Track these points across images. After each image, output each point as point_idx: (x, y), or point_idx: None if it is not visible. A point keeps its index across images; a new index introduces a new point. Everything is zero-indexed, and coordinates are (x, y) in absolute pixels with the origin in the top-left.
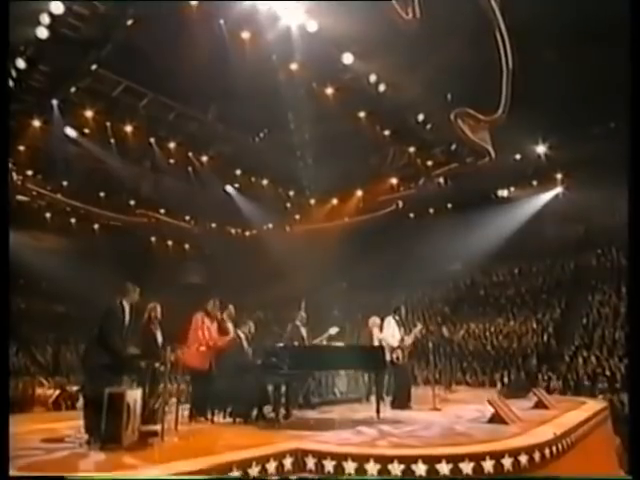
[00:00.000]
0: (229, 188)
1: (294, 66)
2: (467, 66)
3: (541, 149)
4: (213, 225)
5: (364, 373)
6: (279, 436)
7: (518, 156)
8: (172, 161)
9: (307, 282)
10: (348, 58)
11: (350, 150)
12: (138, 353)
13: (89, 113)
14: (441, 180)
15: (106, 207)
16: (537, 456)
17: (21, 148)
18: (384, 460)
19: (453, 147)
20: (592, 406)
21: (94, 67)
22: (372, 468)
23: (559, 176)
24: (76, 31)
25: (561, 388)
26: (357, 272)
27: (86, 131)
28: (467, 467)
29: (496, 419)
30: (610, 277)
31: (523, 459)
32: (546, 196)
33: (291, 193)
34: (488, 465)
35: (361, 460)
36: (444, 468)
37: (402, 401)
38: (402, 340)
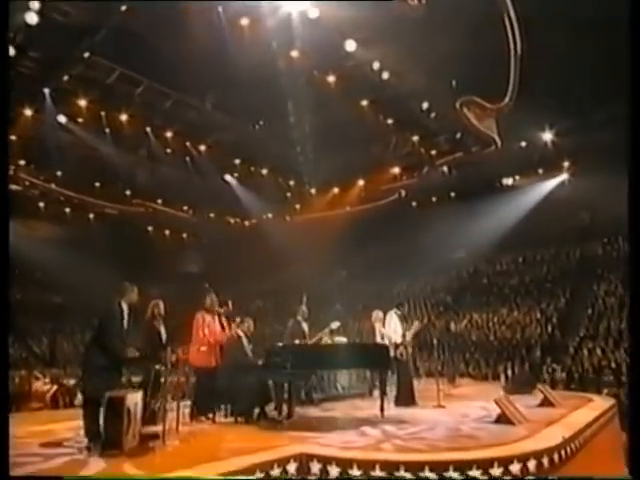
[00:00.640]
0: (228, 177)
1: (295, 53)
2: (474, 53)
3: (548, 136)
4: (212, 215)
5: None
6: (282, 437)
7: (524, 144)
8: (169, 150)
9: (307, 272)
10: (351, 45)
11: (352, 139)
12: (138, 356)
13: (83, 101)
14: (445, 169)
15: (102, 197)
16: (546, 461)
17: (12, 137)
18: (390, 466)
19: (458, 136)
20: (600, 404)
21: (87, 54)
22: (378, 475)
23: (566, 164)
24: (67, 16)
25: (565, 381)
26: (359, 261)
27: (80, 120)
28: (475, 474)
29: (502, 419)
30: (616, 266)
31: (531, 465)
32: (551, 183)
33: (291, 182)
34: (496, 472)
35: (366, 466)
36: (452, 475)
37: (406, 398)
38: (404, 336)
